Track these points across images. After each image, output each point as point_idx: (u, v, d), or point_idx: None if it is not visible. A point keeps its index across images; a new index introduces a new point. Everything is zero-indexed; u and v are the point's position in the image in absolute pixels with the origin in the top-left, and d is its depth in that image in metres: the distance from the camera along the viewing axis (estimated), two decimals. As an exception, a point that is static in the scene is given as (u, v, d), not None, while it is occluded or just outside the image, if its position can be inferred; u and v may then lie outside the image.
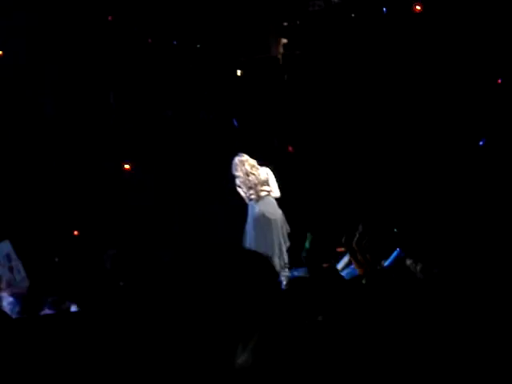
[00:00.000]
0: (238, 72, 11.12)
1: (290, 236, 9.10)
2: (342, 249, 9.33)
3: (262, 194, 8.95)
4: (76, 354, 2.86)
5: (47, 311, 5.78)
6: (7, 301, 6.63)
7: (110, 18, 10.77)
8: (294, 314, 2.67)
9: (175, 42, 10.99)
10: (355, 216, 10.38)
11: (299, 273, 9.01)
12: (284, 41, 11.35)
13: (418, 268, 6.16)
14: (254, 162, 9.08)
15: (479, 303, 2.74)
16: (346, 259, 9.12)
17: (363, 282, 3.10)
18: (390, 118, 10.56)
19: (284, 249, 9.00)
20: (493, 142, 10.35)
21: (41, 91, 10.60)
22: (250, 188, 8.95)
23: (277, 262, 8.75)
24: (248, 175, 8.94)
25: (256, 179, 8.93)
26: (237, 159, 9.12)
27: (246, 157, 9.12)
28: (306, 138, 10.89)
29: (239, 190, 9.07)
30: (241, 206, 9.24)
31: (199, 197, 10.69)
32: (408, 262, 6.37)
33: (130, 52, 10.76)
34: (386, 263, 7.43)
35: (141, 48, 10.87)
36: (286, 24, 11.28)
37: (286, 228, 9.08)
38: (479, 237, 9.34)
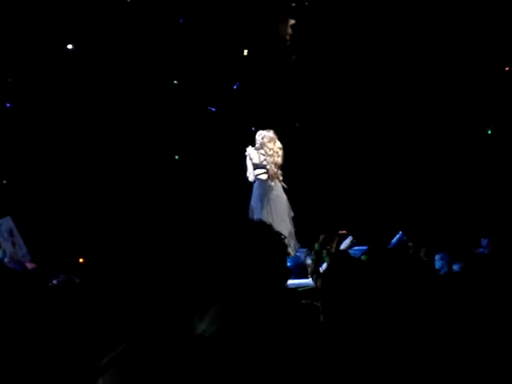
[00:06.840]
0: (245, 52, 11.08)
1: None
2: (344, 231, 9.39)
3: (280, 176, 8.68)
4: (79, 325, 2.90)
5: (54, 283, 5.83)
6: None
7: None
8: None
9: (181, 21, 10.94)
10: (356, 200, 10.44)
11: (300, 253, 9.06)
12: (292, 21, 11.30)
13: (422, 252, 6.20)
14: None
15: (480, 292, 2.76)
16: (347, 241, 9.17)
17: (363, 259, 3.12)
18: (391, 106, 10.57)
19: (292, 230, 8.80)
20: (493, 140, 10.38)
21: None
22: (277, 166, 8.54)
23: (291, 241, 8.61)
24: (278, 153, 8.57)
25: (281, 160, 8.62)
26: (272, 132, 8.66)
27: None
28: (311, 120, 10.87)
29: (252, 161, 8.55)
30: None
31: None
32: (410, 244, 6.40)
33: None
34: (389, 245, 7.49)
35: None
36: (294, 5, 11.23)
37: (290, 213, 8.88)
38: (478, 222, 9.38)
